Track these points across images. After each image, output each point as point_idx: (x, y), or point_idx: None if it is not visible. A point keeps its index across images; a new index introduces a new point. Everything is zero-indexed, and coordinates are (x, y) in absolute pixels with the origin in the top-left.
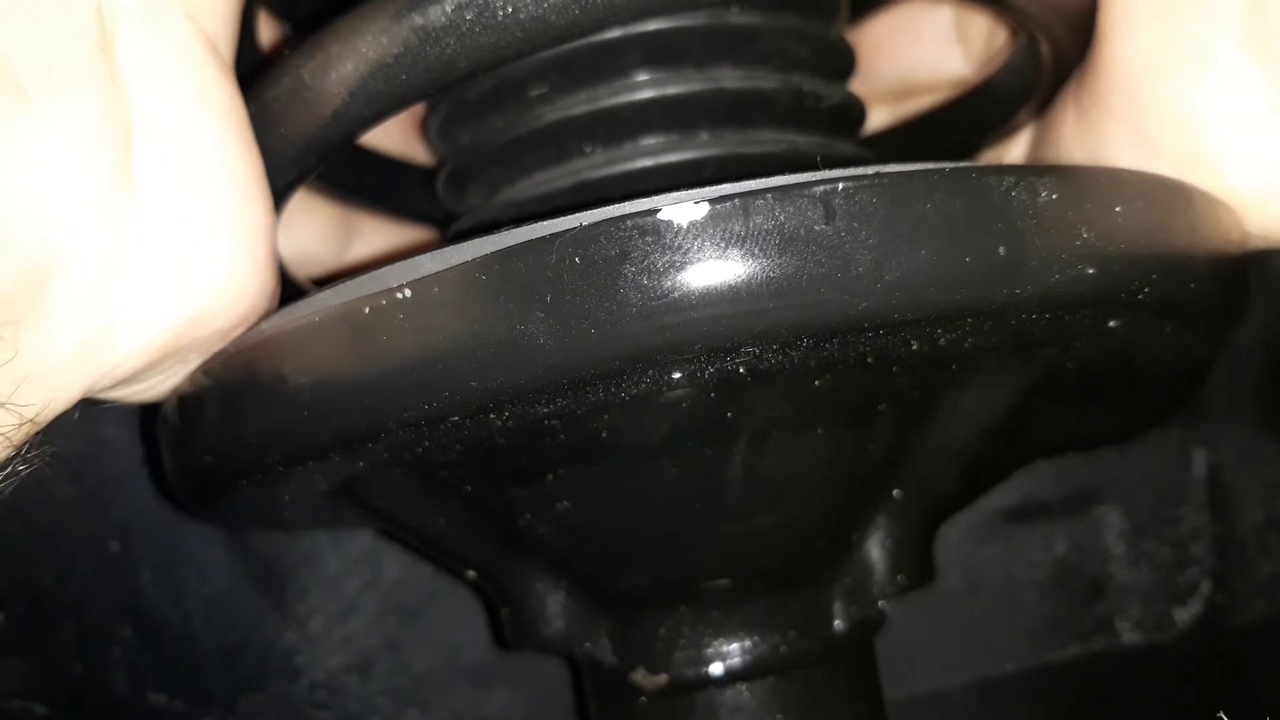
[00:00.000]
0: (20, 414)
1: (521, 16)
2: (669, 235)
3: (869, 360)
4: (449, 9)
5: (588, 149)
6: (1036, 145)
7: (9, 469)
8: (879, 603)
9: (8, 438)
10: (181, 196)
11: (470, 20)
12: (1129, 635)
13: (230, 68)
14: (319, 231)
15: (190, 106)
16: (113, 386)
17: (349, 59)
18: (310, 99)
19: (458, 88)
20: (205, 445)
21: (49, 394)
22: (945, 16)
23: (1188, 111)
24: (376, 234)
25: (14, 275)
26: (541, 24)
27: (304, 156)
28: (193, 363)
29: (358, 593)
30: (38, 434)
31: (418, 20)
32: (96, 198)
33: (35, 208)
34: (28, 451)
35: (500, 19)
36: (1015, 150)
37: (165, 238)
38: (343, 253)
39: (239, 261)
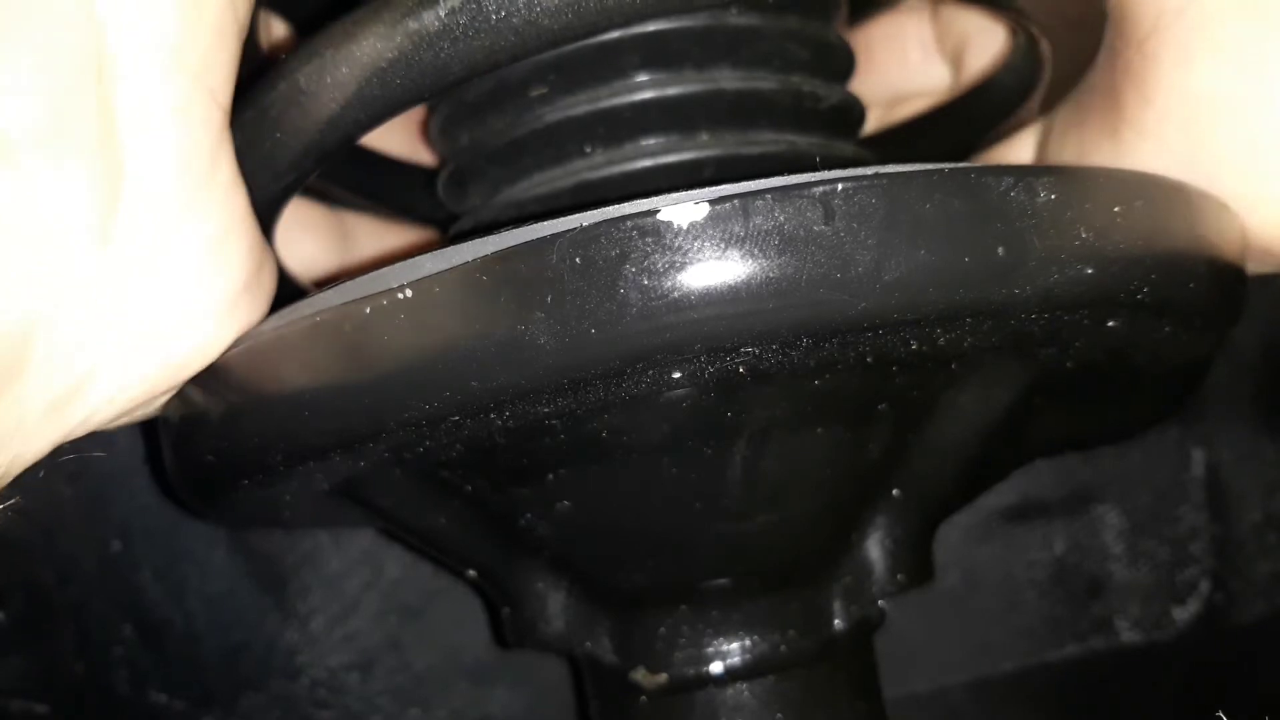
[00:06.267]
0: None
1: (515, 21)
2: (669, 236)
3: (868, 360)
4: (442, 13)
5: (588, 149)
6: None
7: None
8: (878, 602)
9: None
10: (161, 255)
11: (464, 24)
12: (1128, 635)
13: (226, 111)
14: (313, 240)
15: (180, 164)
16: (86, 432)
17: (344, 63)
18: (306, 104)
19: (454, 90)
20: (207, 444)
21: (16, 451)
22: (927, 30)
23: (1257, 145)
24: (372, 238)
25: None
26: (535, 28)
27: (300, 161)
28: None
29: (359, 592)
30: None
31: (411, 25)
32: (79, 259)
33: (21, 274)
34: None
35: (494, 23)
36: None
37: (141, 295)
38: (339, 259)
39: (215, 315)
